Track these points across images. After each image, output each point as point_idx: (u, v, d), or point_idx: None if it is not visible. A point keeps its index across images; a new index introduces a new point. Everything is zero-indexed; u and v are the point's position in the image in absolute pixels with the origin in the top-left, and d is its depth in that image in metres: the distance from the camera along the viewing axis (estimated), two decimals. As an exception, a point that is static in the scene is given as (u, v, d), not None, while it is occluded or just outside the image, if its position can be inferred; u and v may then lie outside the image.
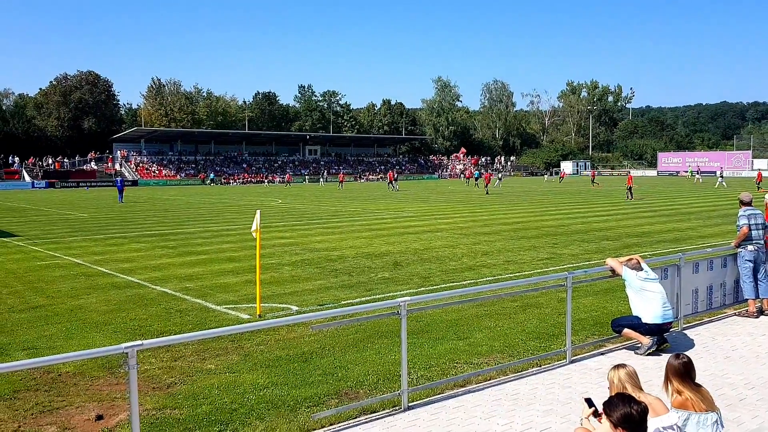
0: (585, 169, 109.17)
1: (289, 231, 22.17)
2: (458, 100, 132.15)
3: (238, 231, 22.41)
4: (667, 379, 4.29)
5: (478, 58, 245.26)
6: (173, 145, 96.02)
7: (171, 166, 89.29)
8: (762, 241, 9.41)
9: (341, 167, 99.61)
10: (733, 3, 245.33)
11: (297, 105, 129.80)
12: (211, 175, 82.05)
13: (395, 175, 61.09)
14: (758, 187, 43.49)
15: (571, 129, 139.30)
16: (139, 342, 4.43)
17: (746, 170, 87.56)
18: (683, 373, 4.21)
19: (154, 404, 6.09)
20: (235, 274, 13.46)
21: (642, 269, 7.81)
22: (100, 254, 16.82)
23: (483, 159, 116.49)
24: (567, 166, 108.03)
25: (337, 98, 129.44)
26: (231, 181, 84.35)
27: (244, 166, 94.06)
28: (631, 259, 8.00)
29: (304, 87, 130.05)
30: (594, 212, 28.88)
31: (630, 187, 39.08)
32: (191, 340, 7.78)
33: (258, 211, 10.02)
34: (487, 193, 47.47)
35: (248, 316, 9.68)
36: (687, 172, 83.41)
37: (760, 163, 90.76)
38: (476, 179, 60.19)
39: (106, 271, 14.12)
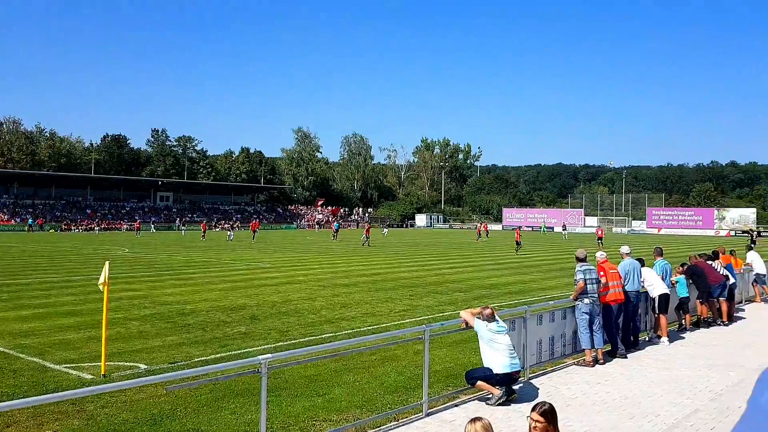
0: (438, 221, 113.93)
1: (138, 282, 20.97)
2: (318, 151, 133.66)
3: (80, 282, 20.86)
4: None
5: (338, 110, 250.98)
6: (9, 188, 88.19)
7: (5, 210, 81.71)
8: (596, 295, 10.30)
9: (195, 215, 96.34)
10: (563, 75, 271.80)
11: (149, 149, 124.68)
12: (30, 221, 75.12)
13: (260, 225, 58.93)
14: (600, 244, 45.14)
15: (425, 183, 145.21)
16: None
17: (579, 226, 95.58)
18: (555, 419, 4.57)
19: (-24, 482, 5.43)
20: (77, 330, 12.47)
21: (494, 320, 8.25)
22: None
23: (342, 210, 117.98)
24: (421, 219, 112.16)
25: (193, 144, 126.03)
26: (73, 228, 78.58)
27: (88, 212, 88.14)
28: (486, 308, 8.44)
29: (157, 131, 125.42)
30: (447, 264, 30.07)
31: (518, 242, 41.28)
32: (25, 407, 7.06)
33: (106, 263, 9.42)
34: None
35: (91, 376, 8.97)
36: (540, 228, 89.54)
37: (590, 220, 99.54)
38: (336, 231, 59.26)
39: None
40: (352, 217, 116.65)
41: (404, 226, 75.45)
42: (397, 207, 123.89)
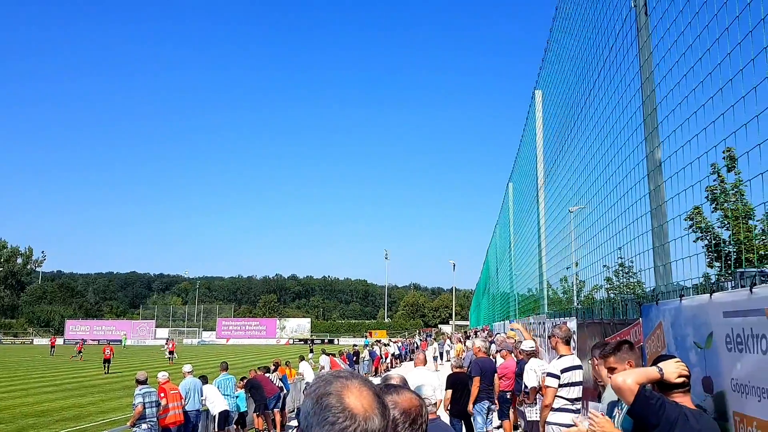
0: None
1: None
2: None
3: None
4: None
5: None
6: None
7: None
8: (155, 419, 10.04)
9: None
10: (138, 171, 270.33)
11: None
12: None
13: None
14: (171, 359, 43.80)
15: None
16: None
17: (150, 338, 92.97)
18: None
19: None
20: None
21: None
22: None
23: None
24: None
25: None
26: None
27: None
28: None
29: None
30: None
31: (107, 360, 35.10)
32: None
33: None
34: None
35: None
36: (121, 342, 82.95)
37: (162, 332, 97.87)
38: None
39: None
40: None
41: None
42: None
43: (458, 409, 10.67)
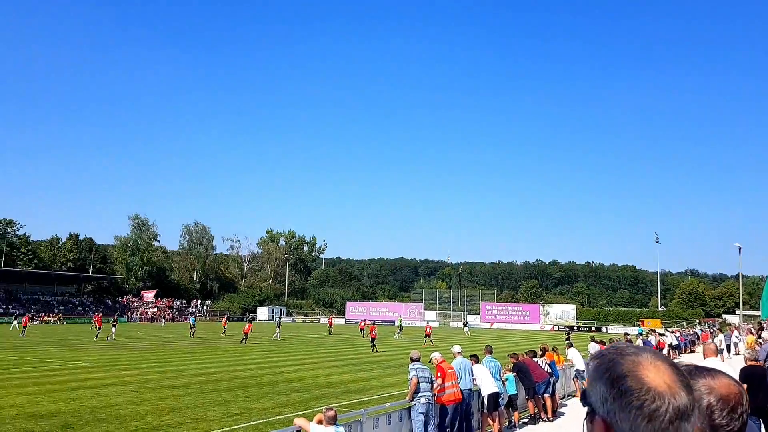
0: (282, 315, 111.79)
1: (-72, 387, 18.20)
2: (156, 240, 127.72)
3: None
4: None
5: (179, 198, 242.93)
6: None
7: None
8: (430, 394, 10.45)
9: (11, 306, 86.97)
10: (404, 173, 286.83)
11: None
12: None
13: (112, 320, 52.49)
14: (429, 341, 44.44)
15: (268, 275, 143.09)
16: None
17: (419, 320, 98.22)
18: None
19: None
20: None
21: (334, 423, 8.03)
22: None
23: (177, 302, 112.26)
24: (263, 312, 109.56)
25: (14, 228, 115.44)
26: None
27: None
28: (330, 409, 8.20)
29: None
30: (286, 362, 29.29)
31: (373, 339, 37.78)
32: None
33: None
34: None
35: None
36: (396, 322, 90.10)
37: (429, 315, 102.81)
38: (192, 326, 52.68)
39: None
40: (189, 309, 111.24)
41: (245, 319, 72.92)
42: (239, 299, 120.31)
43: (755, 406, 9.35)
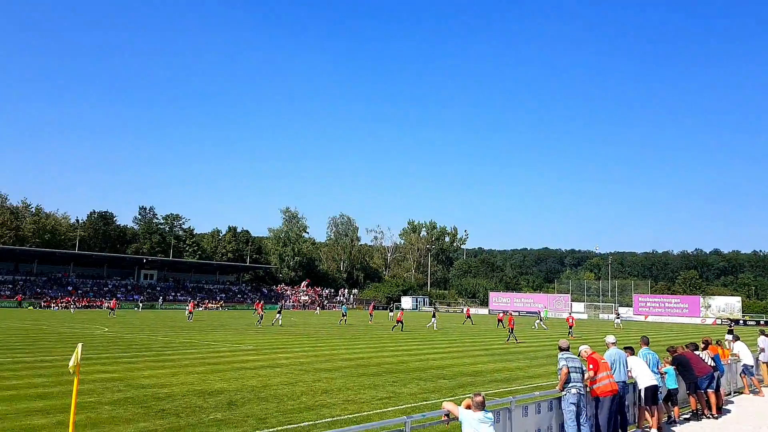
0: (424, 304, 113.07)
1: (114, 364, 20.37)
2: (305, 231, 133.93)
3: (54, 363, 20.22)
4: None
5: (326, 191, 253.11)
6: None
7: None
8: (581, 384, 10.07)
9: (179, 293, 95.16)
10: (551, 161, 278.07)
11: (136, 227, 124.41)
12: None
13: (278, 306, 57.33)
14: (569, 332, 43.64)
15: (411, 265, 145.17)
16: None
17: (566, 312, 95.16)
18: None
19: None
20: (45, 414, 11.96)
21: (483, 409, 7.98)
22: None
23: (326, 291, 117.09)
24: (406, 301, 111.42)
25: (180, 222, 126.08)
26: (52, 305, 77.08)
27: (70, 288, 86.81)
28: (478, 395, 8.17)
29: (145, 209, 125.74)
30: (432, 349, 29.57)
31: (512, 329, 37.29)
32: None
33: (79, 345, 9.14)
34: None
35: (54, 467, 8.51)
36: (539, 313, 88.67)
37: (577, 306, 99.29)
38: (344, 314, 55.02)
39: None
40: (337, 298, 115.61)
41: (390, 308, 74.75)
42: (383, 288, 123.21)
43: None
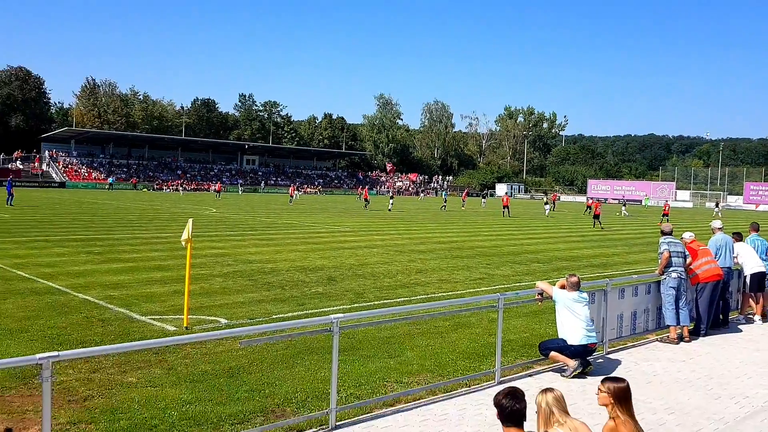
0: (519, 191, 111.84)
1: (222, 241, 21.73)
2: (399, 118, 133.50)
3: (168, 239, 21.81)
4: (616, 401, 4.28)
5: (420, 77, 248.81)
6: (105, 148, 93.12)
7: (101, 169, 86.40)
8: (682, 269, 9.80)
9: (279, 178, 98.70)
10: (661, 40, 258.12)
11: (236, 114, 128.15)
12: (111, 180, 79.16)
13: (390, 192, 59.59)
14: (663, 220, 41.05)
15: (506, 152, 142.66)
16: (55, 353, 4.19)
17: (671, 200, 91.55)
18: (624, 398, 4.28)
19: (68, 418, 5.78)
20: (163, 284, 13.06)
21: (578, 290, 7.99)
22: (21, 257, 16.03)
23: (420, 177, 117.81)
24: (501, 188, 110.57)
25: (278, 109, 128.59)
26: (164, 187, 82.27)
27: (179, 173, 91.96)
28: (573, 275, 8.18)
29: (244, 96, 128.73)
30: (526, 235, 29.54)
31: (598, 215, 36.94)
32: (112, 353, 7.44)
33: (190, 220, 9.75)
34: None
35: (174, 328, 9.37)
36: (641, 202, 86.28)
37: (682, 194, 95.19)
38: (445, 201, 57.37)
39: (26, 275, 13.45)
40: (431, 185, 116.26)
41: (483, 196, 74.55)
42: (477, 176, 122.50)
43: None
